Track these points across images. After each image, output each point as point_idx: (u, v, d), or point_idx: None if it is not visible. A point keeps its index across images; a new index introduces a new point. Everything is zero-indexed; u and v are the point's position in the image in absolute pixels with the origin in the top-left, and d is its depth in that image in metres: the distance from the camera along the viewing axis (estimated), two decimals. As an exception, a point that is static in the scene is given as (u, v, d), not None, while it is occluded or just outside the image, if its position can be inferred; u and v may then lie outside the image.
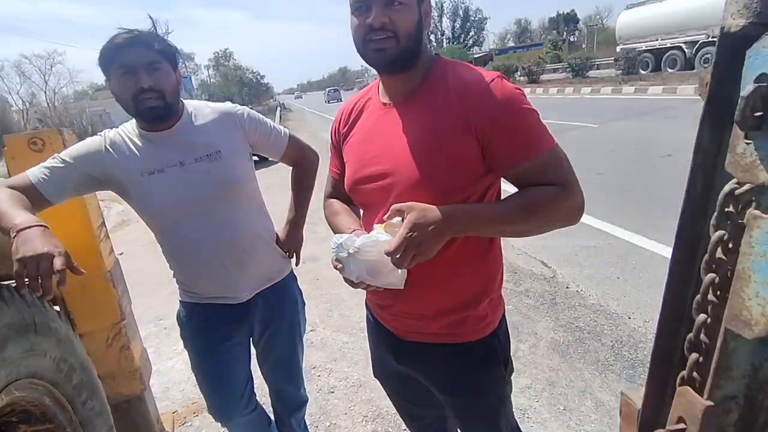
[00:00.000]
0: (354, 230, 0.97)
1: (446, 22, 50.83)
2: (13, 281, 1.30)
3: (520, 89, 0.90)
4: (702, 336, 0.49)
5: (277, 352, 1.49)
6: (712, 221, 0.46)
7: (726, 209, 0.45)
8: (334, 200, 1.16)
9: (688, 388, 0.49)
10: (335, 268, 0.92)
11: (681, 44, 16.86)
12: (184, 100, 1.28)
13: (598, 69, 23.57)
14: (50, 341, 1.23)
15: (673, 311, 0.54)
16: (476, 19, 51.60)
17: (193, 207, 1.24)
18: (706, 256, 0.47)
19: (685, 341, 0.51)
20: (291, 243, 1.50)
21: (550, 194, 0.88)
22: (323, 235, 3.87)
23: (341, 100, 40.02)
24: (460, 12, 50.67)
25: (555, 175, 0.88)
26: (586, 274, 3.16)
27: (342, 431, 1.97)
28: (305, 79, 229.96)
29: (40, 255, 0.86)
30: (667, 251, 3.13)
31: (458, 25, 51.18)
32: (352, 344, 2.67)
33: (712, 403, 0.46)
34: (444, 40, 49.64)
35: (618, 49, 20.32)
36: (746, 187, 0.42)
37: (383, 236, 0.85)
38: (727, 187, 0.44)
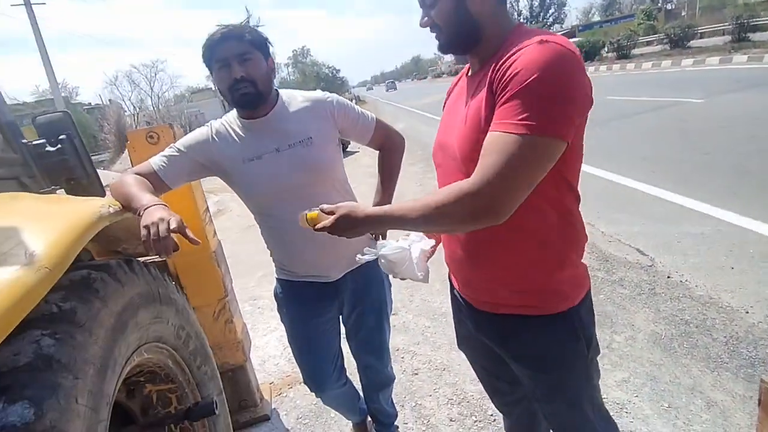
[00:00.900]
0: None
1: (523, 1, 48.25)
2: (142, 257, 1.48)
3: (567, 55, 0.77)
4: None
5: (365, 329, 1.54)
6: None
7: None
8: None
9: None
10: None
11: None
12: (278, 89, 1.35)
13: (701, 38, 20.97)
14: (171, 310, 1.38)
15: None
16: (556, -6, 48.36)
17: (288, 190, 1.31)
18: None
19: None
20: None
21: (455, 190, 0.80)
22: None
23: (396, 89, 61.88)
24: (538, -11, 47.79)
25: (485, 162, 0.78)
26: (691, 264, 2.86)
27: (427, 411, 2.00)
28: (379, 71, 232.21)
29: (160, 219, 0.99)
30: (795, 238, 2.74)
31: (537, 3, 48.33)
32: (434, 329, 2.68)
33: None
34: (521, 20, 47.20)
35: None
36: None
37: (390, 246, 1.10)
38: None
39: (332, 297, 1.45)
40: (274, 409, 2.17)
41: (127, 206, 1.14)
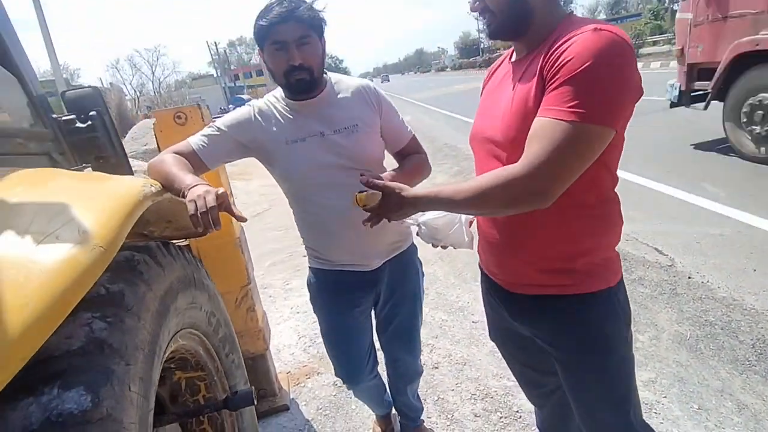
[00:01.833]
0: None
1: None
2: (179, 241, 1.44)
3: (620, 44, 0.78)
4: None
5: (398, 320, 1.50)
6: None
7: None
8: None
9: None
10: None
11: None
12: (327, 72, 1.30)
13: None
14: (204, 296, 1.34)
15: None
16: (564, -9, 47.83)
17: (330, 176, 1.27)
18: None
19: None
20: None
21: (504, 175, 0.83)
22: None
23: (389, 81, 71.96)
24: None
25: (534, 147, 0.80)
26: (711, 264, 2.83)
27: (450, 406, 1.97)
28: (381, 63, 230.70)
29: (206, 191, 0.98)
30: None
31: None
32: (451, 322, 2.65)
33: None
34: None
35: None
36: None
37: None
38: None
39: (370, 287, 1.41)
40: (293, 399, 2.14)
41: (168, 186, 1.10)
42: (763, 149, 4.32)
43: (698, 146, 5.37)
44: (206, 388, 1.40)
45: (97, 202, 0.88)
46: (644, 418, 1.11)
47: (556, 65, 0.80)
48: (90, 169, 1.47)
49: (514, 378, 2.04)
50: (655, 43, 25.28)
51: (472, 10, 0.96)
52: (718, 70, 4.51)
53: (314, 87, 1.24)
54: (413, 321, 1.53)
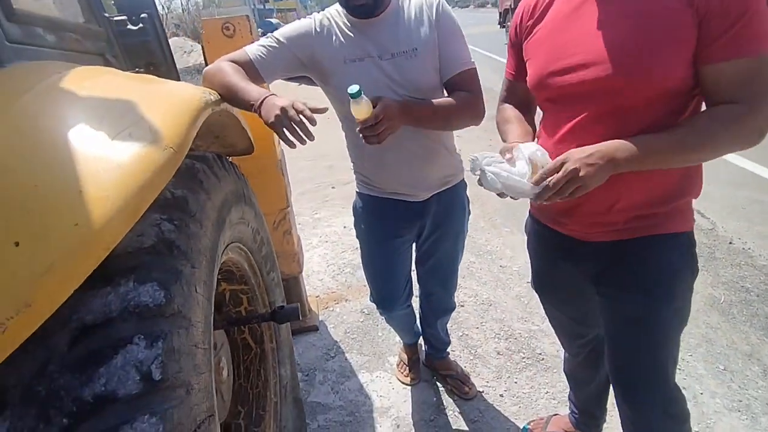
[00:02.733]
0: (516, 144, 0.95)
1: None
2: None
3: None
4: None
5: (438, 255, 1.50)
6: None
7: None
8: (508, 106, 1.15)
9: None
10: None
11: None
12: None
13: None
14: (251, 213, 1.35)
15: None
16: None
17: None
18: None
19: None
20: (386, 105, 1.07)
21: (731, 117, 0.80)
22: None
23: None
24: None
25: (749, 90, 0.78)
26: (756, 232, 2.72)
27: (474, 342, 2.03)
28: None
29: (292, 103, 0.96)
30: None
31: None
32: (479, 264, 2.67)
33: None
34: None
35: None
36: None
37: (516, 169, 0.89)
38: None
39: (416, 217, 1.40)
40: (322, 321, 2.23)
41: (228, 96, 1.06)
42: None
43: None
44: (248, 301, 1.46)
45: (163, 105, 0.86)
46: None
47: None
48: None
49: (538, 323, 2.08)
50: None
51: None
52: None
53: (376, 10, 1.15)
54: (453, 258, 1.53)
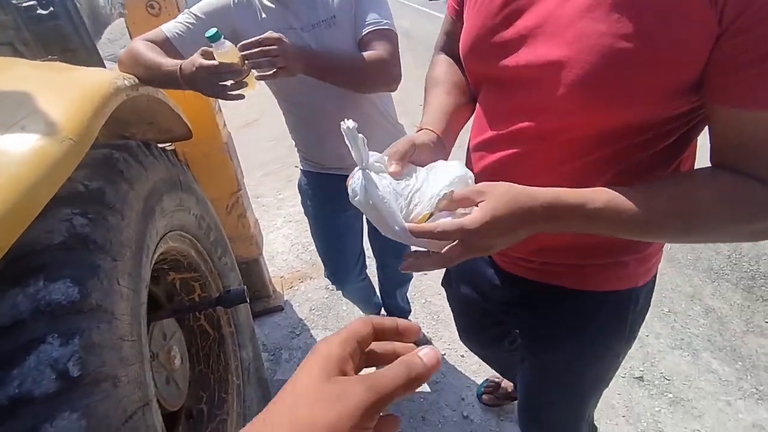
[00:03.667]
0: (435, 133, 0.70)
1: None
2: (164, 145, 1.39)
3: None
4: None
5: (388, 228, 1.51)
6: None
7: None
8: (443, 58, 0.85)
9: None
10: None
11: None
12: None
13: None
14: (192, 199, 1.32)
15: None
16: None
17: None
18: None
19: None
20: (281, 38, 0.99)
21: (756, 203, 0.51)
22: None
23: None
24: None
25: None
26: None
27: (436, 308, 2.08)
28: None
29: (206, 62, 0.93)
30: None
31: None
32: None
33: None
34: None
35: None
36: None
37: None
38: None
39: None
40: (287, 300, 2.24)
41: (148, 76, 1.02)
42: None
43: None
44: (201, 288, 1.45)
45: (64, 93, 0.82)
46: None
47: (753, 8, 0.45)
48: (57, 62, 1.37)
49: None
50: None
51: None
52: None
53: None
54: (403, 229, 1.54)
